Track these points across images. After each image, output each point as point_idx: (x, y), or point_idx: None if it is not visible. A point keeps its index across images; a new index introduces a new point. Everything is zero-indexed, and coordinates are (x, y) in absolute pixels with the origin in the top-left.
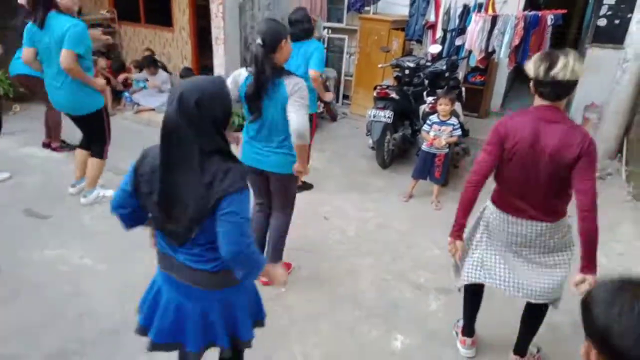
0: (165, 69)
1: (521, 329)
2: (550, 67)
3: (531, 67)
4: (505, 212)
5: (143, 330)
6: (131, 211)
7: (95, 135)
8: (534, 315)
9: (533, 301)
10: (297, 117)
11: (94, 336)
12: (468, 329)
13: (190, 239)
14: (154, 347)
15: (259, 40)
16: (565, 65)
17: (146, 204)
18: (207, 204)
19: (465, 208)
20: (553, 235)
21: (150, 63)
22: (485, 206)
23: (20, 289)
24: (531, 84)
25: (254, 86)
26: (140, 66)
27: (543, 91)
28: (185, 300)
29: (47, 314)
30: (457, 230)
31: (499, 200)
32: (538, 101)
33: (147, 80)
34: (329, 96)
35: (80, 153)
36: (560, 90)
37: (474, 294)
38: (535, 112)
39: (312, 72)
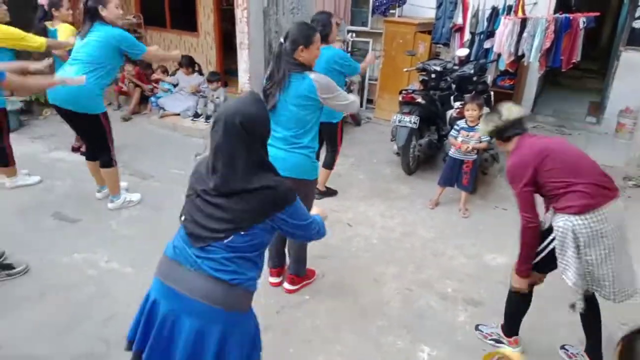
0: (200, 72)
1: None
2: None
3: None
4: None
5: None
6: None
7: (96, 143)
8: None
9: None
10: (347, 107)
11: (120, 339)
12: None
13: (221, 242)
14: None
15: (281, 39)
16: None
17: (187, 204)
18: (257, 217)
19: None
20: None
21: (189, 63)
22: (562, 234)
23: (48, 291)
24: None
25: (269, 81)
26: (173, 67)
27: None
28: (185, 315)
29: (74, 316)
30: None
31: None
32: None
33: (175, 85)
34: (372, 58)
35: (90, 165)
36: None
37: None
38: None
39: (356, 78)
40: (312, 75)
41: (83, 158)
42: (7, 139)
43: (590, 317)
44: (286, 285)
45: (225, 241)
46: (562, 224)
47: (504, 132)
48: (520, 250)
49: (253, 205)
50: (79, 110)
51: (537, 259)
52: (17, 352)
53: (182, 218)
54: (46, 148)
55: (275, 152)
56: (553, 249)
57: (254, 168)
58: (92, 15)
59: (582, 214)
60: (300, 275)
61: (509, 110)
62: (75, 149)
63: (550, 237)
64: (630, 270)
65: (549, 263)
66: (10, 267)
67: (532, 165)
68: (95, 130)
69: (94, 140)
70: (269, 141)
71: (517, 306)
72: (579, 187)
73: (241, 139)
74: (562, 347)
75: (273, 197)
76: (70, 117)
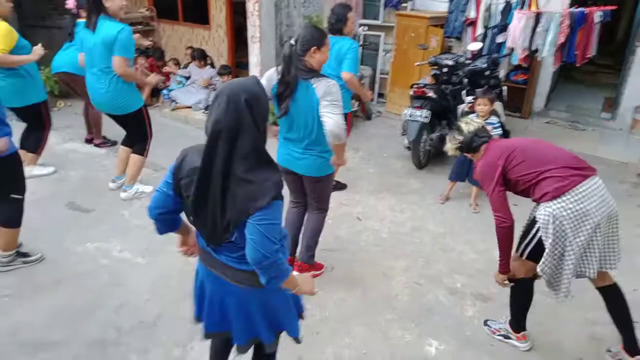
0: (212, 65)
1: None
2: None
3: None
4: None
5: (199, 319)
6: (167, 214)
7: (137, 133)
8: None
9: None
10: (330, 119)
11: (131, 327)
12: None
13: (228, 241)
14: (207, 335)
15: (292, 41)
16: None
17: (186, 206)
18: (243, 212)
19: None
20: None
21: (201, 56)
22: (544, 222)
23: (63, 279)
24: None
25: (279, 85)
26: (185, 60)
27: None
28: (226, 296)
29: (87, 304)
30: None
31: (561, 187)
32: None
33: (187, 78)
34: (369, 95)
35: (123, 150)
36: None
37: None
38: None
39: (344, 75)
40: (315, 84)
41: (96, 149)
42: (47, 131)
43: (617, 307)
44: (294, 273)
45: (232, 240)
46: (543, 211)
47: (471, 144)
48: (498, 249)
49: (240, 198)
50: (123, 112)
51: (527, 250)
52: (33, 337)
53: (191, 219)
54: (60, 139)
55: (290, 152)
56: (541, 239)
57: (251, 155)
58: (96, 7)
59: (559, 197)
60: (309, 263)
61: (467, 124)
62: (88, 141)
63: (535, 228)
64: (615, 246)
65: (542, 251)
66: (26, 255)
67: (500, 165)
68: (138, 122)
69: (136, 130)
70: (283, 139)
71: (519, 300)
72: (549, 174)
73: (245, 116)
74: (608, 350)
75: (256, 193)
76: (118, 118)
